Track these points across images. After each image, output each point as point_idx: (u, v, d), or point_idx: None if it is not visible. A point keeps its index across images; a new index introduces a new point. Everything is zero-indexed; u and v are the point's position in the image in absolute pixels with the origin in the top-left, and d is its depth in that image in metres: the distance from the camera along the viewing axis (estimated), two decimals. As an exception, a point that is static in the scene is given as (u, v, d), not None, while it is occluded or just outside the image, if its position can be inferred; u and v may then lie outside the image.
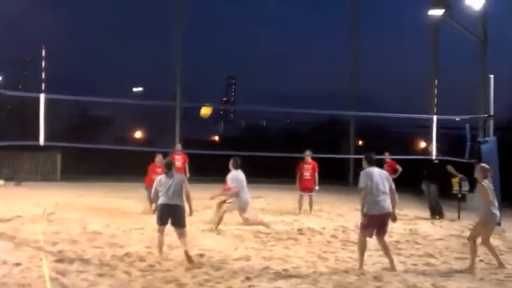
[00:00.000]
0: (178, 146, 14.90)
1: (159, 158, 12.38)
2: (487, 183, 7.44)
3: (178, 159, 14.36)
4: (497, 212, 7.46)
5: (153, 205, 10.94)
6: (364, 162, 7.32)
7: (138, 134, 34.09)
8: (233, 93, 55.68)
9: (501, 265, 7.49)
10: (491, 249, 7.58)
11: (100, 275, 6.37)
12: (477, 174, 7.64)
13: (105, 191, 16.78)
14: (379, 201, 7.01)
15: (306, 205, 12.96)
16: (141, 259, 7.32)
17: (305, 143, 28.60)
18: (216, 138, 40.24)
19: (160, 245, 7.61)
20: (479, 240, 7.50)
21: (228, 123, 49.44)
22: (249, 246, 8.60)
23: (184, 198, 7.50)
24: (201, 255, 7.71)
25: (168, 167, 7.64)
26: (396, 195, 7.14)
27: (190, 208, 7.73)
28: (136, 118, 31.65)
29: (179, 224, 7.40)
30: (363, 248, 7.24)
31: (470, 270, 7.25)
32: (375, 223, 7.11)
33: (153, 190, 7.70)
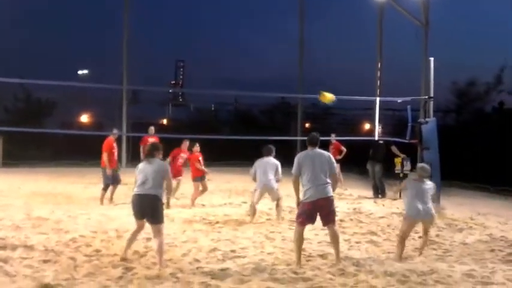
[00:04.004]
0: (152, 129, 14.32)
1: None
2: (412, 182, 7.15)
3: None
4: (419, 207, 6.86)
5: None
6: (307, 144, 6.80)
7: (84, 118, 33.30)
8: (181, 76, 55.16)
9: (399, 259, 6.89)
10: (401, 244, 6.99)
11: (44, 261, 6.27)
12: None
13: (51, 177, 16.40)
14: (315, 186, 6.39)
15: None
16: (88, 244, 7.24)
17: (255, 125, 28.97)
18: (165, 121, 39.79)
19: (129, 243, 6.63)
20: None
21: (177, 106, 48.89)
22: (197, 228, 8.66)
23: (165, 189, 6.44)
24: (148, 239, 7.67)
25: (152, 151, 6.49)
26: (338, 177, 6.66)
27: (168, 201, 7.31)
28: (83, 102, 30.88)
29: (153, 219, 6.27)
30: (298, 240, 6.52)
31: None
32: (312, 211, 6.46)
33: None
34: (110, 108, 27.49)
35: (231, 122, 33.49)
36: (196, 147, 11.28)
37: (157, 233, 6.23)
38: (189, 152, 11.36)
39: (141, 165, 6.41)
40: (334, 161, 6.72)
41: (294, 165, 6.62)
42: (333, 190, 6.63)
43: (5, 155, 21.15)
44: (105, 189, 11.13)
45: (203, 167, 11.11)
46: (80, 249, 6.99)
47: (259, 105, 33.28)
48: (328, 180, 6.50)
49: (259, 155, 9.68)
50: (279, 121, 31.80)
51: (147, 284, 5.52)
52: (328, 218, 6.53)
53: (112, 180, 11.07)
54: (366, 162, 13.50)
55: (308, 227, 6.74)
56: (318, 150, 6.72)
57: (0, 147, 21.00)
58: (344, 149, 14.99)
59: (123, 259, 6.40)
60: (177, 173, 11.13)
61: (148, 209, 6.22)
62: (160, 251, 6.21)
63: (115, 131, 12.18)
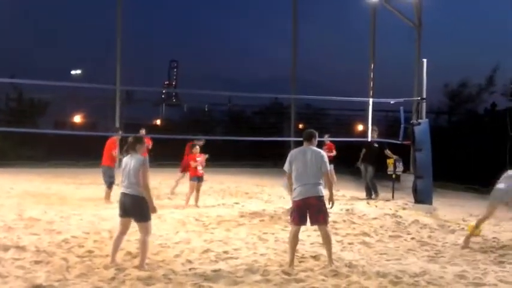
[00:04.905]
0: (143, 131, 14.64)
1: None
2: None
3: None
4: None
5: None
6: (303, 140, 6.73)
7: (77, 118, 33.19)
8: (175, 77, 55.15)
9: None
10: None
11: (36, 262, 6.24)
12: None
13: (44, 177, 16.30)
14: (302, 184, 6.36)
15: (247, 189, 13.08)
16: (80, 245, 7.21)
17: (248, 126, 28.93)
18: (158, 122, 39.73)
19: (114, 247, 6.39)
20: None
21: (171, 106, 48.90)
22: (190, 229, 8.65)
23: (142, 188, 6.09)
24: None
25: (133, 145, 6.32)
26: (332, 177, 6.63)
27: (151, 203, 6.17)
28: (76, 102, 30.82)
29: (138, 218, 6.19)
30: (292, 241, 6.45)
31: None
32: (302, 209, 6.39)
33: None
34: (103, 108, 27.43)
35: (225, 122, 33.51)
36: (197, 148, 11.41)
37: (143, 230, 6.18)
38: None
39: (124, 160, 6.35)
40: (327, 160, 6.59)
41: (286, 161, 6.63)
42: (329, 190, 6.56)
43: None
44: (109, 187, 11.20)
45: (197, 165, 11.19)
46: (72, 250, 6.96)
47: (253, 105, 33.37)
48: (319, 180, 6.43)
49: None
50: (272, 122, 31.84)
51: (139, 285, 5.51)
52: (317, 217, 6.41)
53: (114, 179, 11.13)
54: (359, 161, 13.50)
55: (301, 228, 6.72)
56: (312, 147, 6.61)
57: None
58: (334, 152, 14.87)
59: (113, 262, 6.28)
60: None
61: (131, 208, 6.17)
62: (142, 249, 6.18)
63: (120, 132, 12.64)
